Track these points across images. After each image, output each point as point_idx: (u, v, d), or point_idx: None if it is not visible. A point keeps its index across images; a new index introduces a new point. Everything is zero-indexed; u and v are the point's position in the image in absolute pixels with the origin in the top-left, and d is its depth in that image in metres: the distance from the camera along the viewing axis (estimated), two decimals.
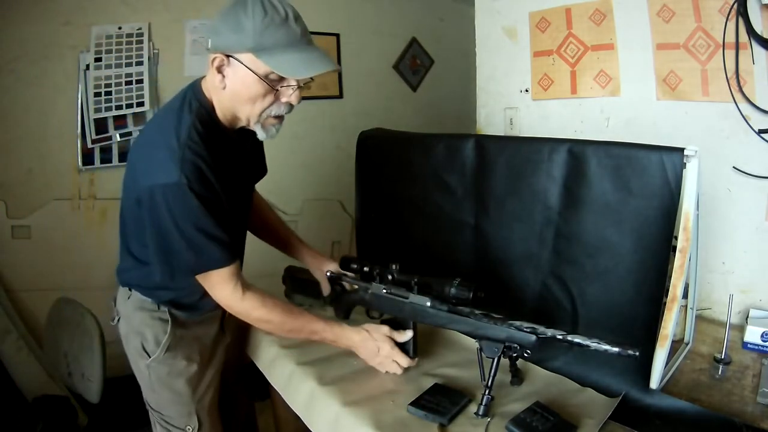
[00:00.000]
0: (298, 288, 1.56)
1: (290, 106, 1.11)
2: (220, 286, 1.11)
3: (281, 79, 1.05)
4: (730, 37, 1.37)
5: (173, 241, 1.03)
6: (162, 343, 1.22)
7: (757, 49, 1.34)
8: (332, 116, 2.97)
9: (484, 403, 1.04)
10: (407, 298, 1.21)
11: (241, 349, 1.47)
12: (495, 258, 1.37)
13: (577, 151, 1.20)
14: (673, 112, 1.53)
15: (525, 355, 1.05)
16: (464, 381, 1.18)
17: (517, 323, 1.05)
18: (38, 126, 2.31)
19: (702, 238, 1.22)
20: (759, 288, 1.42)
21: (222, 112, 1.12)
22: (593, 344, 0.96)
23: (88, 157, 2.40)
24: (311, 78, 1.07)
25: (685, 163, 1.03)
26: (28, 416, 1.93)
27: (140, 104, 2.42)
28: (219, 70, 1.05)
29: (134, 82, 2.42)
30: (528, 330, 1.03)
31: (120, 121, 2.41)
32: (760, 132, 1.35)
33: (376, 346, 1.20)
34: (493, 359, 1.06)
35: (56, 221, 2.37)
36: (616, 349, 0.93)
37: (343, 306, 1.39)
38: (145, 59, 2.44)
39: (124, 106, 2.40)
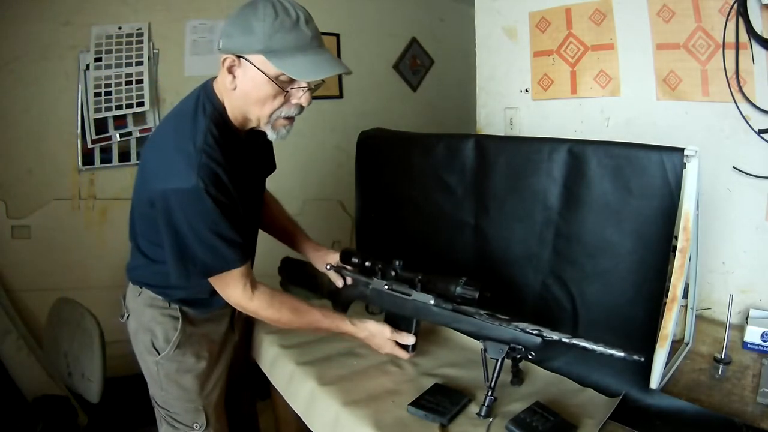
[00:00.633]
0: (294, 280, 1.56)
1: (300, 108, 1.11)
2: (232, 287, 1.13)
3: (291, 80, 1.05)
4: (730, 37, 1.37)
5: (189, 244, 1.04)
6: (172, 340, 1.23)
7: (757, 49, 1.34)
8: (332, 116, 2.97)
9: (486, 404, 1.04)
10: (410, 295, 1.21)
11: (247, 348, 1.48)
12: (495, 258, 1.37)
13: (577, 151, 1.20)
14: (673, 112, 1.53)
15: (529, 356, 1.05)
16: (464, 381, 1.18)
17: (523, 325, 1.05)
18: (38, 126, 2.31)
19: (702, 238, 1.22)
20: (759, 288, 1.42)
21: (233, 113, 1.12)
22: (599, 348, 0.96)
23: (88, 157, 2.40)
24: (322, 80, 1.07)
25: (685, 163, 1.03)
26: (28, 416, 1.93)
27: (140, 104, 2.42)
28: (230, 70, 1.05)
29: (134, 82, 2.42)
30: (533, 332, 1.03)
31: (120, 121, 2.41)
32: (760, 132, 1.35)
33: (379, 346, 1.24)
34: (497, 360, 1.06)
35: (56, 221, 2.37)
36: (621, 354, 0.93)
37: (342, 300, 1.38)
38: (145, 59, 2.44)
39: (124, 106, 2.40)
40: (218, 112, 1.10)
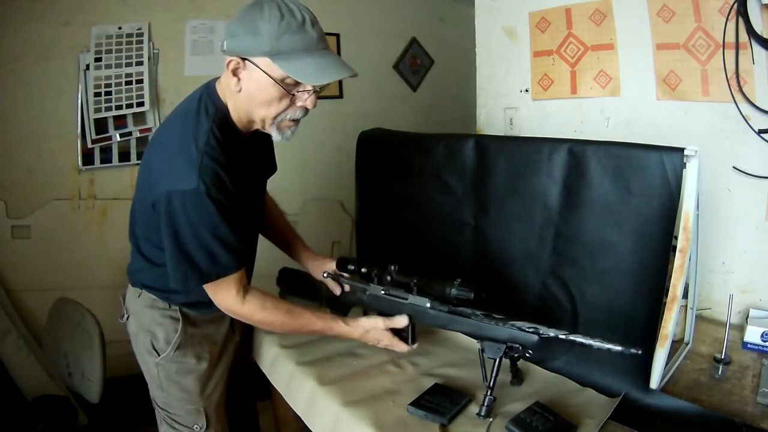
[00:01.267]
0: (293, 290, 1.56)
1: (305, 110, 1.11)
2: (225, 292, 1.11)
3: (297, 83, 1.04)
4: (730, 37, 1.37)
5: (189, 247, 1.03)
6: (172, 341, 1.22)
7: (757, 49, 1.34)
8: (332, 116, 2.97)
9: (486, 404, 1.04)
10: (406, 299, 1.21)
11: (247, 348, 1.48)
12: (495, 258, 1.37)
13: (577, 151, 1.20)
14: (673, 112, 1.53)
15: (527, 355, 1.05)
16: (464, 381, 1.18)
17: (519, 323, 1.05)
18: (38, 126, 2.31)
19: (702, 238, 1.22)
20: (759, 288, 1.42)
21: (237, 114, 1.11)
22: (596, 343, 0.95)
23: (88, 157, 2.39)
24: (327, 84, 1.07)
25: (685, 163, 1.03)
26: (28, 416, 1.93)
27: (140, 104, 2.42)
28: (234, 73, 1.04)
29: (134, 82, 2.42)
30: (530, 330, 1.03)
31: (120, 121, 2.41)
32: (760, 132, 1.35)
33: (376, 339, 1.22)
34: (495, 360, 1.06)
35: (56, 221, 2.37)
36: (619, 348, 0.93)
37: (340, 307, 1.38)
38: (145, 59, 2.44)
39: (124, 106, 2.40)
40: (221, 114, 1.10)
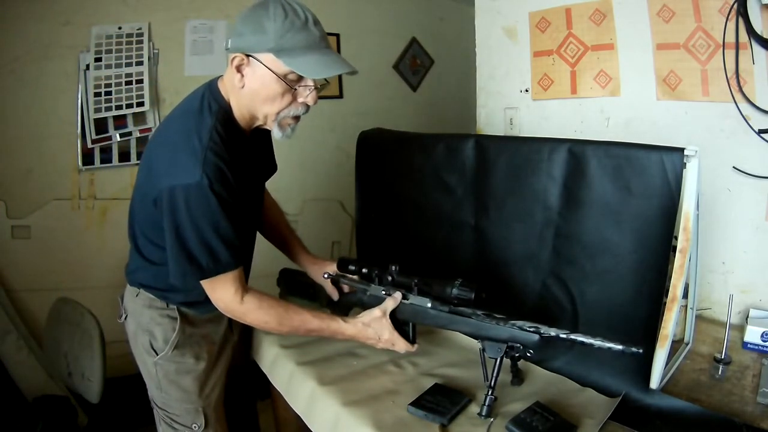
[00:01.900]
0: (293, 291, 1.56)
1: (307, 107, 1.13)
2: (223, 290, 1.12)
3: (299, 79, 1.07)
4: (730, 37, 1.37)
5: (190, 242, 1.04)
6: (170, 341, 1.22)
7: (757, 49, 1.34)
8: (332, 116, 2.97)
9: (487, 404, 1.04)
10: (407, 299, 1.21)
11: (246, 348, 1.47)
12: (495, 258, 1.37)
13: (577, 151, 1.20)
14: (673, 112, 1.53)
15: (528, 354, 1.05)
16: (464, 381, 1.18)
17: (520, 323, 1.05)
18: (38, 126, 2.31)
19: (702, 238, 1.22)
20: (759, 288, 1.42)
21: (240, 111, 1.13)
22: (597, 342, 0.96)
23: (88, 157, 2.39)
24: (326, 81, 1.10)
25: (685, 163, 1.03)
26: (28, 416, 1.93)
27: (140, 104, 2.42)
28: (238, 69, 1.07)
29: (134, 82, 2.42)
30: (531, 330, 1.03)
31: (120, 121, 2.41)
32: (760, 132, 1.35)
33: (376, 334, 1.20)
34: (496, 360, 1.06)
35: (56, 221, 2.37)
36: (620, 347, 0.93)
37: (341, 308, 1.39)
38: (145, 59, 2.44)
39: (124, 106, 2.40)
40: (224, 111, 1.11)
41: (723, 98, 1.41)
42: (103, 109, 2.37)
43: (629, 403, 1.08)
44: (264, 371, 1.41)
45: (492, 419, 1.03)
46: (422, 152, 1.53)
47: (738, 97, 1.38)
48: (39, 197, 2.34)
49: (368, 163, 1.71)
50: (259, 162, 1.29)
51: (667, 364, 1.12)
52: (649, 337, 1.09)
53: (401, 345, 1.21)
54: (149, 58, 2.45)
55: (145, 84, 2.43)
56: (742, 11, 1.33)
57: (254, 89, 1.08)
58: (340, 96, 3.04)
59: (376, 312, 1.20)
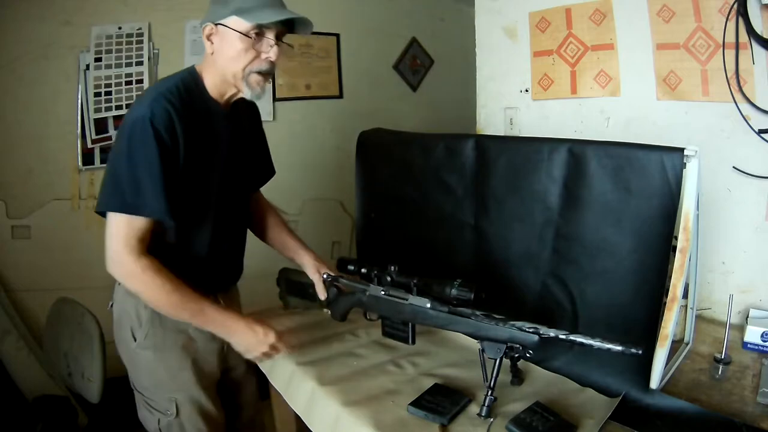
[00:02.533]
0: (292, 290, 1.56)
1: (271, 63, 1.18)
2: (124, 233, 1.12)
3: (260, 34, 1.15)
4: (730, 37, 1.37)
5: (121, 170, 1.09)
6: (149, 327, 1.24)
7: (757, 49, 1.34)
8: (332, 116, 2.97)
9: (487, 404, 1.04)
10: (406, 299, 1.21)
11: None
12: (495, 258, 1.37)
13: (577, 151, 1.20)
14: (673, 112, 1.53)
15: (527, 355, 1.05)
16: (464, 381, 1.18)
17: (519, 323, 1.05)
18: (38, 126, 2.31)
19: (702, 238, 1.22)
20: (759, 288, 1.42)
21: (213, 80, 1.20)
22: (596, 343, 0.95)
23: (88, 157, 2.40)
24: (291, 45, 1.20)
25: (685, 163, 1.03)
26: (28, 416, 1.93)
27: None
28: (209, 38, 1.16)
29: (134, 82, 2.42)
30: (530, 330, 1.03)
31: (120, 121, 2.40)
32: (760, 132, 1.35)
33: (253, 344, 1.21)
34: (496, 360, 1.06)
35: (56, 221, 2.37)
36: (619, 348, 0.93)
37: (340, 308, 1.38)
38: (145, 59, 2.44)
39: (124, 106, 2.40)
40: (192, 78, 1.19)
41: (723, 98, 1.41)
42: (103, 109, 2.38)
43: (629, 403, 1.08)
44: (264, 371, 1.41)
45: (492, 419, 1.03)
46: (422, 152, 1.53)
47: (738, 97, 1.38)
48: (39, 197, 2.35)
49: (368, 164, 1.71)
50: (238, 148, 1.29)
51: (667, 364, 1.12)
52: (649, 337, 1.09)
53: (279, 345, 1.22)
54: (149, 58, 2.45)
55: (145, 84, 2.43)
56: (742, 11, 1.33)
57: (221, 51, 1.16)
58: (340, 96, 3.03)
59: (271, 335, 1.20)
